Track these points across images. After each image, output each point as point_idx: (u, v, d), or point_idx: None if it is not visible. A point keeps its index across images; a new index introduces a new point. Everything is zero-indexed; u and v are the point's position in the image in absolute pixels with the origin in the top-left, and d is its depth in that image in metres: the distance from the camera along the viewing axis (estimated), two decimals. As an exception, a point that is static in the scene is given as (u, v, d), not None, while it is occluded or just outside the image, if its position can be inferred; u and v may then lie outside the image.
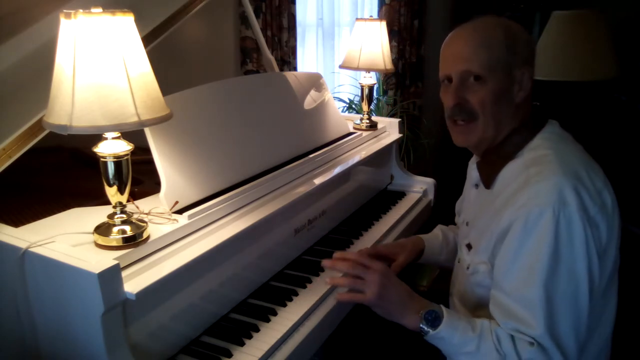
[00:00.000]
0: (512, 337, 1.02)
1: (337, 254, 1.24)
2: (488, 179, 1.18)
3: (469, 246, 1.22)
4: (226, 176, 1.36)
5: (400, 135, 2.14)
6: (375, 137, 2.06)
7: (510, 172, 1.13)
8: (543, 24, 2.65)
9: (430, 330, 1.05)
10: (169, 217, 1.15)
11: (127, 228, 1.04)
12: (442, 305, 1.10)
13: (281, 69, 2.71)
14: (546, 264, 0.99)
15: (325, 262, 1.16)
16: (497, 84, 1.10)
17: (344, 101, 3.38)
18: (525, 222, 1.01)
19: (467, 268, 1.20)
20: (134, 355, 0.97)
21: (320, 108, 1.85)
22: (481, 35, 1.11)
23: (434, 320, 1.06)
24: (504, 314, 1.04)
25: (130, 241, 1.03)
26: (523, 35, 1.13)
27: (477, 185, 1.27)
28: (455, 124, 1.17)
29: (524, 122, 1.15)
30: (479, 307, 1.17)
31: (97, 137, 1.00)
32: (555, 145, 1.11)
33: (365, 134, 2.00)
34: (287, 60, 2.90)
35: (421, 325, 1.07)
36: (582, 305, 1.00)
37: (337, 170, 1.68)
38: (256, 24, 2.14)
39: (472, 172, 1.30)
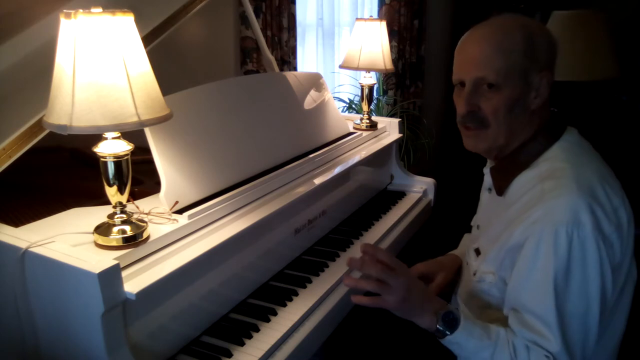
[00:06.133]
0: (528, 349, 1.00)
1: (367, 248, 1.06)
2: (501, 186, 1.15)
3: (477, 251, 1.20)
4: (226, 176, 1.36)
5: (400, 135, 2.14)
6: (375, 137, 2.05)
7: (524, 182, 1.09)
8: (543, 24, 2.65)
9: (448, 333, 1.01)
10: (169, 217, 1.15)
11: (127, 228, 1.04)
12: (459, 309, 1.06)
13: (281, 69, 2.71)
14: (558, 282, 0.97)
15: (352, 263, 1.01)
16: (512, 91, 1.05)
17: (344, 101, 3.38)
18: (538, 240, 0.99)
19: (474, 274, 1.18)
20: (134, 355, 0.97)
21: (320, 108, 1.85)
22: (497, 39, 1.05)
23: (451, 322, 1.02)
24: (521, 324, 1.02)
25: (130, 241, 1.03)
26: (544, 37, 1.08)
27: (490, 190, 1.24)
28: (466, 128, 1.13)
29: (541, 129, 1.10)
30: (483, 312, 1.16)
31: (97, 137, 1.00)
32: (572, 157, 1.06)
33: (365, 134, 1.99)
34: (287, 60, 2.90)
35: (438, 326, 1.02)
36: (592, 323, 0.99)
37: (337, 170, 1.68)
38: (256, 24, 2.14)
39: (486, 177, 1.26)
